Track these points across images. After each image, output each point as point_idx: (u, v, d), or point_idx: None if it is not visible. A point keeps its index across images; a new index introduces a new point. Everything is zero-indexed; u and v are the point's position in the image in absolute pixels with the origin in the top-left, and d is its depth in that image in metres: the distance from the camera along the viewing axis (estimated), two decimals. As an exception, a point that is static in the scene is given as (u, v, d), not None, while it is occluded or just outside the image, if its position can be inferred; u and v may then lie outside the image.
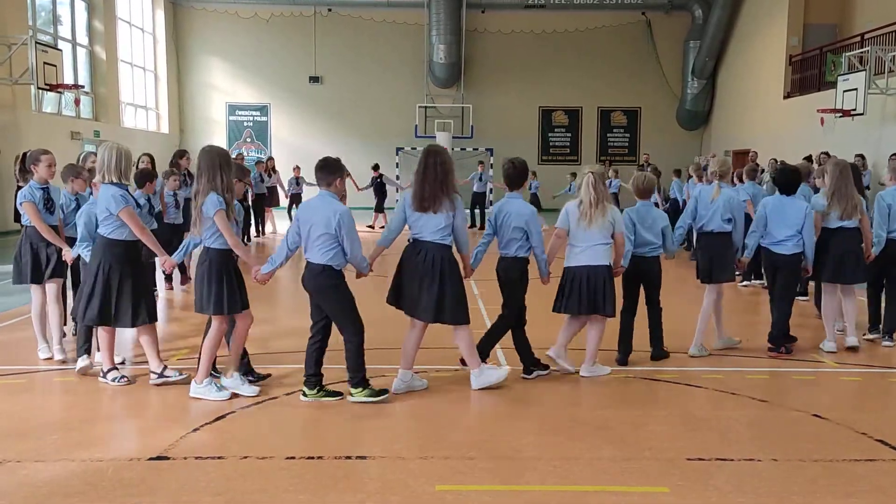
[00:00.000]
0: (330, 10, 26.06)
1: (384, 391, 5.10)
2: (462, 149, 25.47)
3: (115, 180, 5.23)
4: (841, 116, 16.45)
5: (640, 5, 25.92)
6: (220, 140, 25.99)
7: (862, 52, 16.52)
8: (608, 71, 26.46)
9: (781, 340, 6.43)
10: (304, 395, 5.13)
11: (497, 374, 5.38)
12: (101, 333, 5.47)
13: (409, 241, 5.27)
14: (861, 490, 3.82)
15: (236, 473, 3.96)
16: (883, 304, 6.92)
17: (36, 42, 16.38)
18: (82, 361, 5.70)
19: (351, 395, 5.08)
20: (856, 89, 15.92)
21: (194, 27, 26.22)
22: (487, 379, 5.34)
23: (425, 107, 25.93)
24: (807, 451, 4.33)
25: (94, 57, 21.33)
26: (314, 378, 5.12)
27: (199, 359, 5.27)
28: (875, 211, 6.76)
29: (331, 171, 5.08)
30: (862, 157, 15.21)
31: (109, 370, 5.46)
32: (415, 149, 25.52)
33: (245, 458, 4.15)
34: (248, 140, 26.53)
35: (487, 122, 26.04)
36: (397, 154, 25.79)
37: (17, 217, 6.19)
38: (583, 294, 5.52)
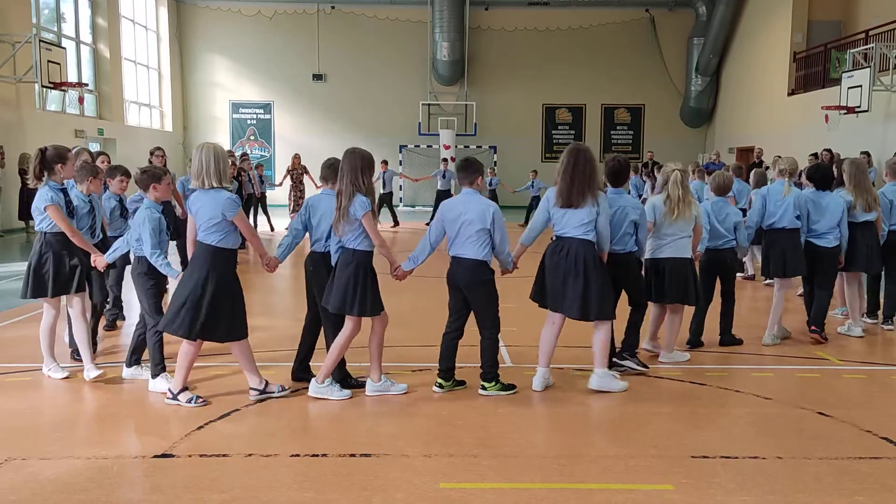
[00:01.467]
0: (333, 7, 26.05)
1: (513, 385, 5.29)
2: (466, 146, 25.46)
3: (214, 185, 4.86)
4: (846, 113, 16.40)
5: (643, 2, 25.85)
6: (223, 138, 26.02)
7: (866, 49, 16.47)
8: (612, 68, 26.40)
9: (823, 326, 6.87)
10: (441, 386, 5.28)
11: (619, 384, 5.38)
12: (188, 349, 5.00)
13: (552, 238, 5.37)
14: (867, 488, 3.81)
15: (241, 471, 3.96)
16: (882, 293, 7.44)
17: (39, 40, 16.38)
18: (165, 382, 5.24)
19: (483, 388, 5.25)
20: (860, 86, 15.87)
21: (198, 25, 26.23)
22: (608, 384, 5.35)
23: (428, 104, 25.91)
24: (812, 448, 4.32)
25: (98, 55, 21.35)
26: (452, 371, 5.32)
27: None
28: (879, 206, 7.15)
29: (473, 170, 5.26)
30: (867, 153, 15.19)
31: (182, 391, 5.02)
32: (418, 146, 25.56)
33: (249, 455, 4.15)
34: (252, 138, 26.55)
35: (491, 120, 26.02)
36: (400, 151, 25.78)
37: (24, 216, 5.82)
38: (668, 284, 5.87)
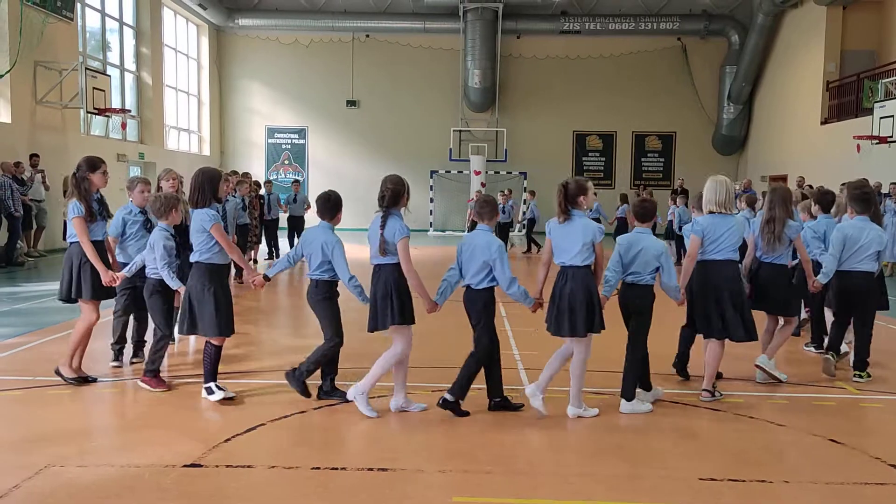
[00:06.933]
0: (368, 36, 26.62)
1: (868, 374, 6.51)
2: (496, 172, 25.72)
3: (722, 211, 5.79)
4: (877, 143, 16.35)
5: (676, 31, 25.98)
6: (258, 162, 26.61)
7: (899, 79, 16.44)
8: (643, 95, 26.53)
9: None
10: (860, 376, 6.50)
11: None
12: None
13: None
14: (870, 512, 3.89)
15: (264, 481, 4.16)
16: None
17: (86, 68, 17.06)
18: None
19: (859, 376, 6.49)
20: (892, 116, 15.83)
21: (237, 53, 26.98)
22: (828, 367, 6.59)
23: (460, 131, 26.27)
24: (819, 473, 4.40)
25: (141, 82, 22.09)
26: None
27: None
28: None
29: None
30: (880, 184, 15.14)
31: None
32: (448, 172, 25.85)
33: (273, 467, 4.36)
34: (286, 162, 27.12)
35: (521, 146, 26.27)
36: (431, 177, 26.12)
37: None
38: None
